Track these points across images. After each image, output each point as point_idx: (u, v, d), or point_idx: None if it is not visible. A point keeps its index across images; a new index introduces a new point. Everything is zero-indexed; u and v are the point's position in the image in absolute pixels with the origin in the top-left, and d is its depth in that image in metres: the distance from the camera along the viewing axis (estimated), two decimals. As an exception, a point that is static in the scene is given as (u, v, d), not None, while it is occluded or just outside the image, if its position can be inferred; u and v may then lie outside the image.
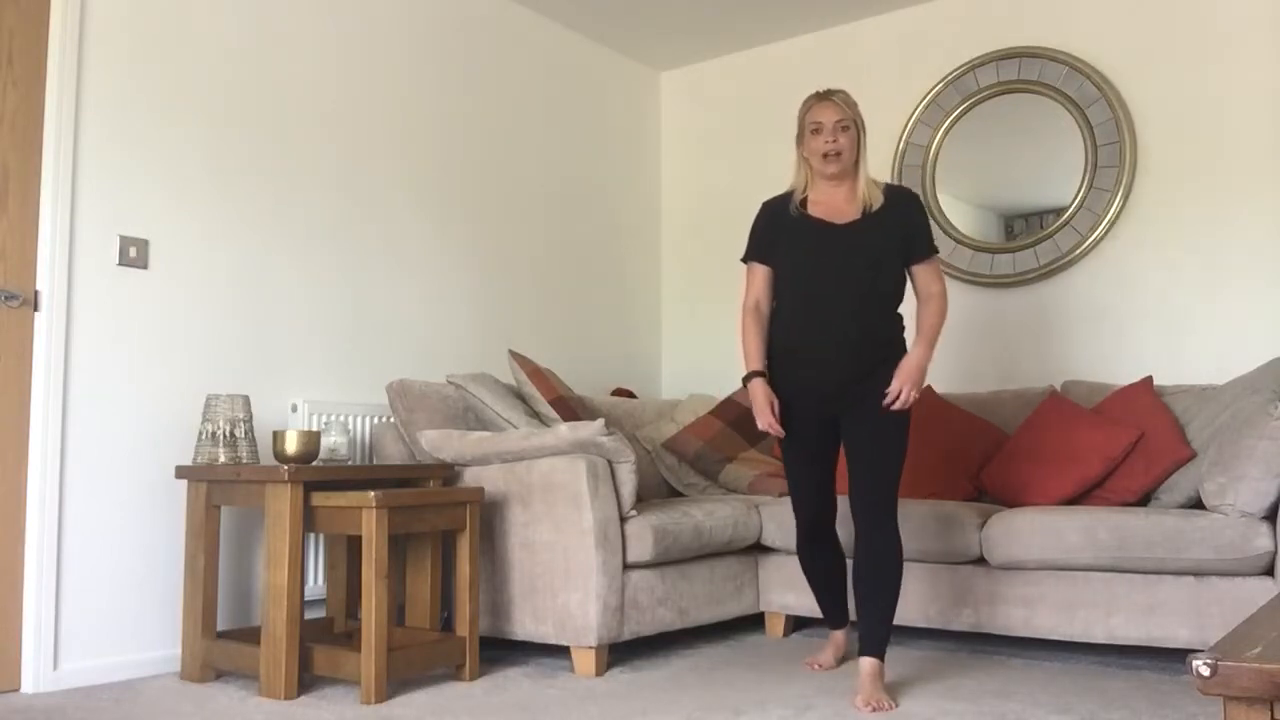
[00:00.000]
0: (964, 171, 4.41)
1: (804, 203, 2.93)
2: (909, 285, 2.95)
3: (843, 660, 3.16)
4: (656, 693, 2.84)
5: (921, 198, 4.10)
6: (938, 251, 2.95)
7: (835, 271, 2.84)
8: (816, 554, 3.07)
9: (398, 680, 2.93)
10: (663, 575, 3.30)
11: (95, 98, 3.11)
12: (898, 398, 2.78)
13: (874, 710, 2.59)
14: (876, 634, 2.75)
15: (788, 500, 3.71)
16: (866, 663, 2.72)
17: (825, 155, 2.85)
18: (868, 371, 2.82)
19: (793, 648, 3.48)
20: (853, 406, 2.84)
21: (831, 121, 2.85)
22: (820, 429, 2.92)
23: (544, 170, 4.64)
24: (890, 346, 2.87)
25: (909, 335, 2.90)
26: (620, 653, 3.34)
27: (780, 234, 2.95)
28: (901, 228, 2.88)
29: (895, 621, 3.39)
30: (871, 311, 2.84)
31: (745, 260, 3.03)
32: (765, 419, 2.89)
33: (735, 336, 2.68)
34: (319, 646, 2.88)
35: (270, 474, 2.86)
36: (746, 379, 2.95)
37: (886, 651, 2.84)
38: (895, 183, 4.18)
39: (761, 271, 2.99)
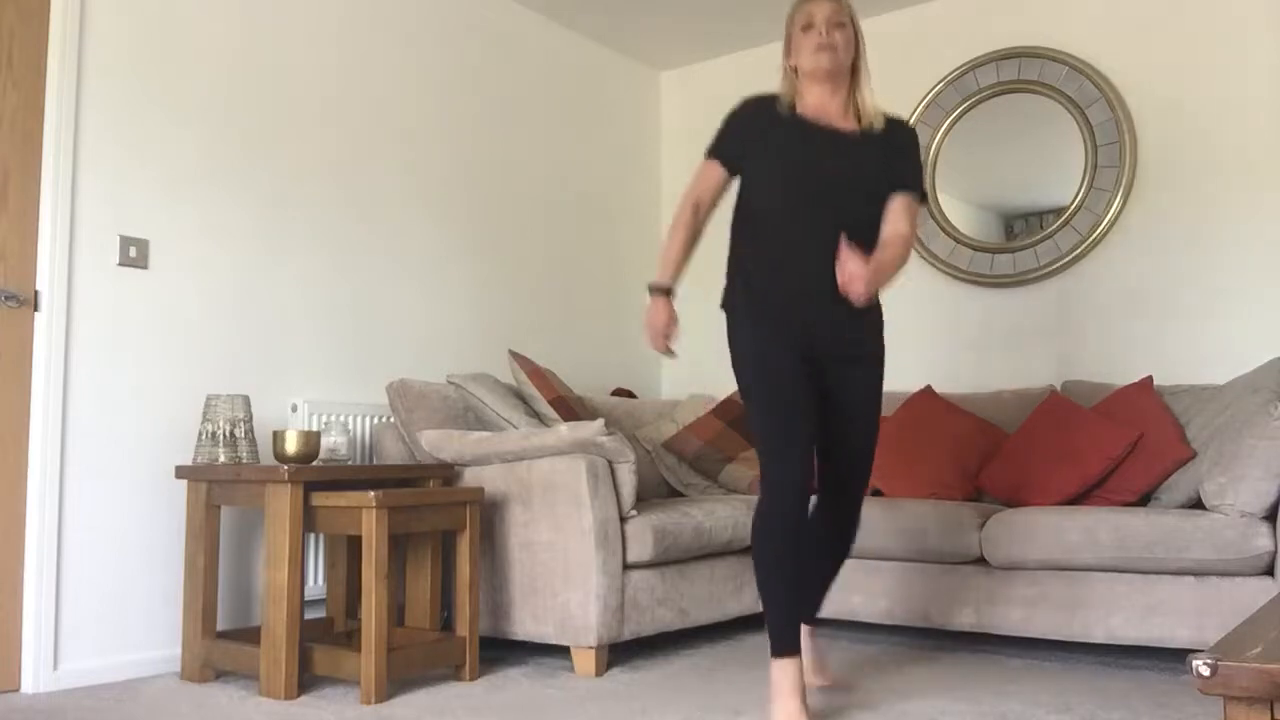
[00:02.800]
0: (964, 171, 4.41)
1: (793, 107, 2.53)
2: None
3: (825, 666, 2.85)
4: (656, 693, 2.84)
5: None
6: (925, 197, 2.60)
7: (835, 181, 2.43)
8: (799, 536, 2.40)
9: (398, 680, 2.93)
10: (663, 575, 3.30)
11: (95, 98, 3.11)
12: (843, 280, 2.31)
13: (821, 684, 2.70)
14: (818, 603, 2.80)
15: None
16: (805, 630, 2.68)
17: (818, 48, 2.44)
18: (860, 315, 2.46)
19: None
20: (841, 358, 2.50)
21: (825, 15, 2.47)
22: (805, 367, 2.46)
23: (544, 170, 4.64)
24: (877, 303, 2.55)
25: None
26: (620, 653, 3.34)
27: (766, 133, 2.50)
28: (898, 157, 2.52)
29: (898, 621, 3.41)
30: (867, 241, 2.44)
31: (708, 155, 2.57)
32: (659, 341, 2.50)
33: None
34: (319, 646, 2.88)
35: (270, 474, 2.86)
36: (652, 290, 2.54)
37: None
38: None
39: (718, 174, 2.55)
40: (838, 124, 2.48)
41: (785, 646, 2.39)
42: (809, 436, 2.42)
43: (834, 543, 2.70)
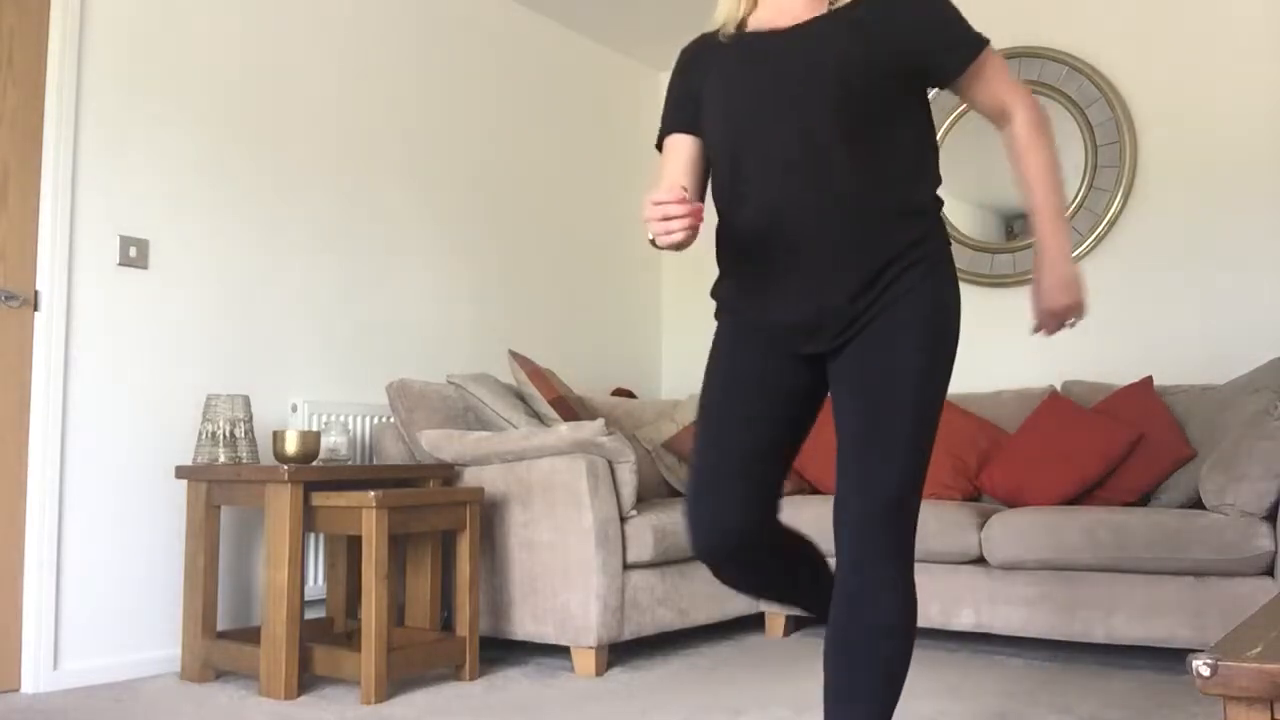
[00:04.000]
0: (964, 171, 4.41)
1: (743, 25, 1.80)
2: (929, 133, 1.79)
3: None
4: (656, 693, 2.84)
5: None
6: (987, 42, 1.82)
7: (782, 103, 1.67)
8: (746, 573, 1.79)
9: (398, 680, 2.93)
10: (663, 575, 3.30)
11: (95, 98, 3.10)
12: (1041, 328, 1.71)
13: None
14: None
15: (787, 500, 3.69)
16: None
17: None
18: (865, 280, 1.66)
19: (793, 648, 3.48)
20: (852, 337, 1.69)
21: None
22: (790, 366, 1.76)
23: (544, 170, 4.64)
24: (905, 221, 1.69)
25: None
26: (620, 653, 3.34)
27: (705, 74, 1.79)
28: (904, 26, 1.71)
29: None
30: (852, 165, 1.65)
31: (659, 142, 1.89)
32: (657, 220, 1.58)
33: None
34: (319, 646, 2.88)
35: (270, 474, 2.86)
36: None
37: None
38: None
39: (680, 146, 1.83)
40: (791, 15, 1.72)
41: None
42: (752, 452, 1.73)
43: (846, 635, 1.67)
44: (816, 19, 1.70)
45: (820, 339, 1.71)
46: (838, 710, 1.65)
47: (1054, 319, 1.69)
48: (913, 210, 1.70)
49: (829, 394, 1.77)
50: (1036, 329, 1.72)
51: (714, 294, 1.85)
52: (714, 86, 1.77)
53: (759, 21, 1.78)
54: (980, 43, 1.77)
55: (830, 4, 1.72)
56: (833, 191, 1.65)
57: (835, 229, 1.65)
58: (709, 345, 1.89)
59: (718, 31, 1.81)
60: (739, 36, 1.78)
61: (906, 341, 1.65)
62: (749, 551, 1.74)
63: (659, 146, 1.89)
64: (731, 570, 1.77)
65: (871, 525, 1.63)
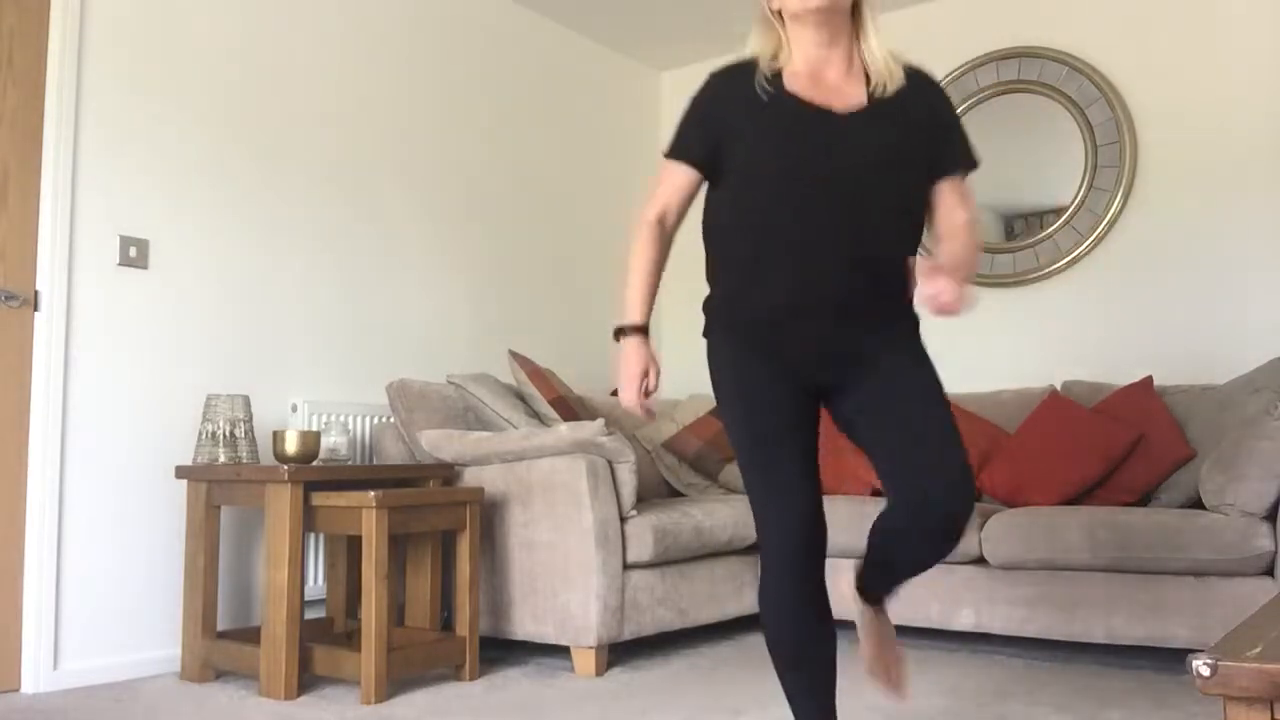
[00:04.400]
0: (964, 171, 4.40)
1: (779, 76, 1.92)
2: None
3: None
4: (656, 693, 2.84)
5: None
6: (978, 163, 2.01)
7: (836, 185, 1.84)
8: (806, 612, 1.93)
9: (398, 680, 2.93)
10: (663, 575, 3.30)
11: (95, 98, 3.10)
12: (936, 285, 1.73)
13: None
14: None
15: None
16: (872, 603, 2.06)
17: None
18: (873, 336, 1.92)
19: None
20: (857, 364, 1.91)
21: None
22: (800, 396, 1.93)
23: (544, 170, 4.64)
24: (903, 302, 1.95)
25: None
26: (620, 653, 3.34)
27: (740, 119, 1.91)
28: (930, 122, 1.92)
29: (897, 621, 3.39)
30: (889, 251, 1.90)
31: (670, 155, 2.00)
32: (631, 394, 1.97)
33: None
34: (319, 646, 2.88)
35: (270, 474, 2.86)
36: (618, 333, 2.06)
37: None
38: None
39: (686, 177, 1.98)
40: (839, 94, 1.89)
41: None
42: (802, 479, 1.90)
43: (932, 542, 1.97)
44: (871, 109, 1.88)
45: (829, 374, 1.92)
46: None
47: (951, 288, 1.71)
48: (906, 291, 1.94)
49: (837, 419, 1.99)
50: (931, 288, 1.72)
51: (720, 318, 2.00)
52: (764, 144, 1.90)
53: (797, 83, 1.91)
54: (978, 162, 2.02)
55: (869, 87, 1.90)
56: (872, 279, 1.88)
57: (861, 291, 1.87)
58: (708, 345, 1.97)
59: (753, 71, 1.93)
60: (782, 98, 1.90)
61: (914, 364, 1.95)
62: (816, 544, 1.91)
63: (669, 155, 2.00)
64: (801, 565, 1.90)
65: (959, 487, 1.86)
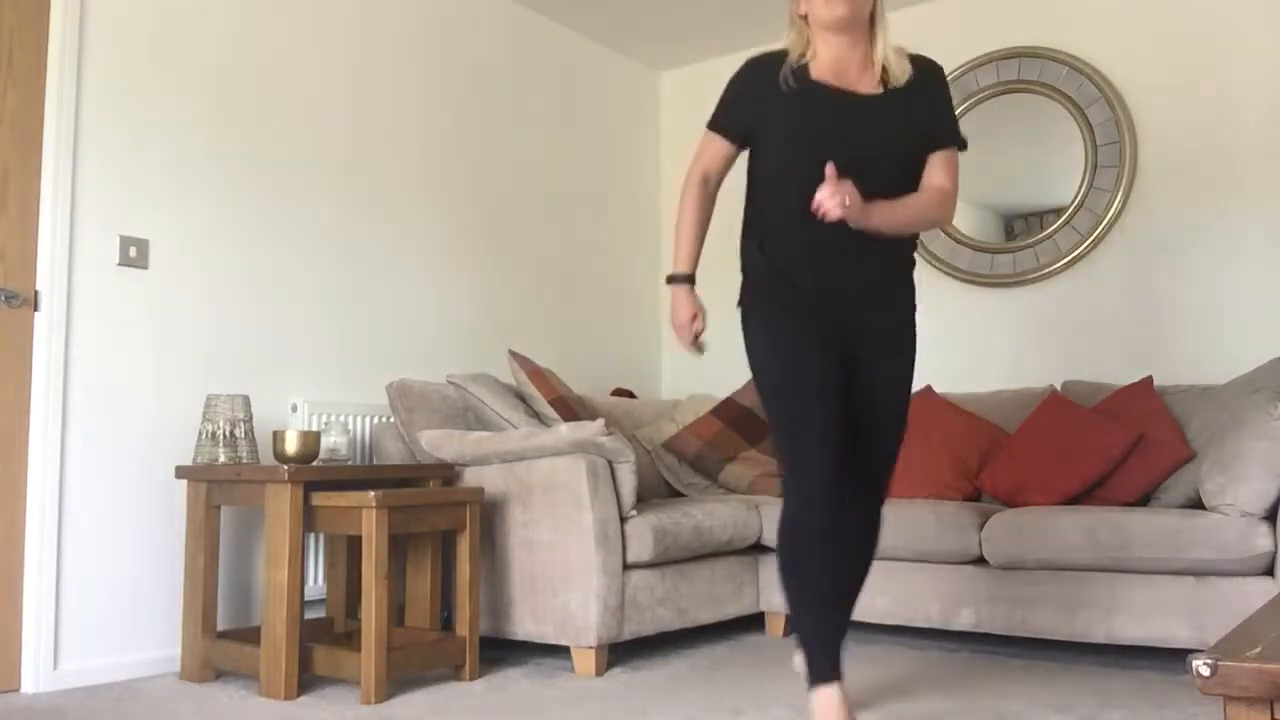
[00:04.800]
0: (964, 171, 4.38)
1: (806, 68, 2.28)
2: None
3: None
4: (656, 693, 2.84)
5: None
6: (964, 144, 2.37)
7: (860, 157, 2.17)
8: (840, 531, 2.22)
9: (398, 680, 2.93)
10: (663, 575, 3.30)
11: (95, 98, 3.11)
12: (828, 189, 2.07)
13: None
14: (840, 649, 2.31)
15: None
16: (839, 692, 2.27)
17: None
18: (896, 310, 2.36)
19: (793, 648, 3.47)
20: (872, 352, 2.31)
21: None
22: (830, 356, 2.25)
23: (544, 170, 4.64)
24: (909, 256, 2.38)
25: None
26: (620, 653, 3.34)
27: (775, 102, 2.26)
28: (929, 109, 2.30)
29: (898, 621, 3.41)
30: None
31: (710, 127, 2.37)
32: (685, 335, 2.34)
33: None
34: (319, 646, 2.88)
35: (270, 474, 2.86)
36: (669, 280, 2.39)
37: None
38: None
39: (723, 147, 2.36)
40: (857, 85, 2.24)
41: (824, 671, 2.23)
42: (838, 434, 2.19)
43: (858, 548, 2.42)
44: (885, 98, 2.25)
45: (850, 338, 2.28)
46: (855, 577, 2.42)
47: (836, 190, 2.04)
48: (912, 249, 2.38)
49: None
50: (825, 191, 2.06)
51: (757, 283, 2.32)
52: (792, 122, 2.25)
53: (821, 71, 2.26)
54: (962, 141, 2.37)
55: (887, 80, 2.25)
56: (890, 246, 2.26)
57: (885, 272, 2.31)
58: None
59: (782, 60, 2.27)
60: (808, 85, 2.24)
61: (901, 360, 2.38)
62: (845, 488, 2.22)
63: (710, 127, 2.36)
64: (827, 525, 2.20)
65: (881, 476, 2.40)
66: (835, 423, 2.18)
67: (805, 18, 2.26)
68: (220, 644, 2.98)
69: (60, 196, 3.00)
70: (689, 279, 2.35)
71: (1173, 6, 3.98)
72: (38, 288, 2.98)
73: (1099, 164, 4.07)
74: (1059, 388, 3.86)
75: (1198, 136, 3.90)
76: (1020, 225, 4.30)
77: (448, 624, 3.32)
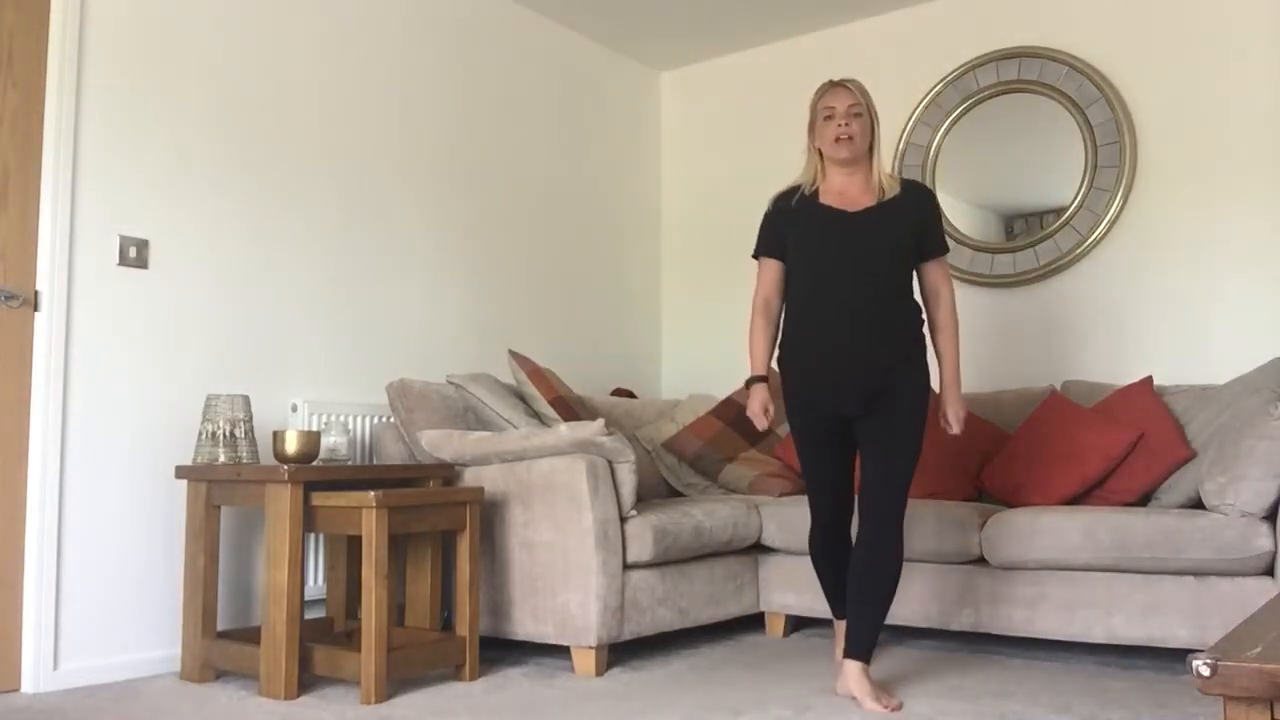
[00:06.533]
0: (964, 171, 4.41)
1: (816, 193, 2.89)
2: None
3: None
4: (656, 693, 2.84)
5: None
6: (948, 250, 2.94)
7: (849, 259, 2.79)
8: (830, 553, 2.98)
9: (398, 680, 2.93)
10: (663, 575, 3.30)
11: (95, 98, 3.11)
12: (950, 424, 2.91)
13: (887, 709, 2.60)
14: (865, 640, 2.71)
15: (788, 500, 3.72)
16: (852, 665, 2.70)
17: (837, 139, 2.81)
18: (887, 369, 2.77)
19: (793, 648, 3.48)
20: (871, 406, 2.78)
21: (844, 107, 2.82)
22: (835, 427, 2.86)
23: (544, 170, 4.64)
24: (910, 341, 2.83)
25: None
26: (620, 653, 3.34)
27: (790, 224, 2.89)
28: (916, 219, 2.84)
29: (897, 621, 3.41)
30: (889, 302, 2.79)
31: (756, 255, 3.00)
32: (760, 421, 2.93)
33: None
34: (319, 646, 2.88)
35: (270, 474, 2.86)
36: (749, 382, 2.97)
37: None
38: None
39: (772, 267, 2.95)
40: (856, 201, 2.84)
41: (848, 648, 2.75)
42: (833, 484, 2.91)
43: (861, 568, 2.79)
44: (875, 209, 2.82)
45: (856, 406, 2.80)
46: (861, 610, 2.76)
47: (959, 421, 2.91)
48: (913, 335, 2.84)
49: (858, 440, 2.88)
50: (952, 429, 2.92)
51: (787, 359, 2.91)
52: (804, 239, 2.85)
53: (829, 195, 2.88)
54: (945, 247, 2.94)
55: (880, 195, 2.84)
56: (880, 318, 2.77)
57: (877, 341, 2.77)
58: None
59: (796, 192, 2.90)
60: (816, 209, 2.86)
61: (907, 410, 2.82)
62: (843, 530, 2.97)
63: (757, 255, 2.99)
64: (832, 538, 2.96)
65: (887, 492, 2.81)
66: (829, 500, 2.91)
67: (819, 150, 2.88)
68: (220, 644, 2.98)
69: (60, 196, 3.00)
70: (764, 379, 2.93)
71: (1173, 7, 3.98)
72: (38, 288, 2.98)
73: (1099, 164, 4.07)
74: (1059, 388, 3.86)
75: (1198, 136, 3.90)
76: (1020, 225, 4.30)
77: (448, 624, 3.32)
